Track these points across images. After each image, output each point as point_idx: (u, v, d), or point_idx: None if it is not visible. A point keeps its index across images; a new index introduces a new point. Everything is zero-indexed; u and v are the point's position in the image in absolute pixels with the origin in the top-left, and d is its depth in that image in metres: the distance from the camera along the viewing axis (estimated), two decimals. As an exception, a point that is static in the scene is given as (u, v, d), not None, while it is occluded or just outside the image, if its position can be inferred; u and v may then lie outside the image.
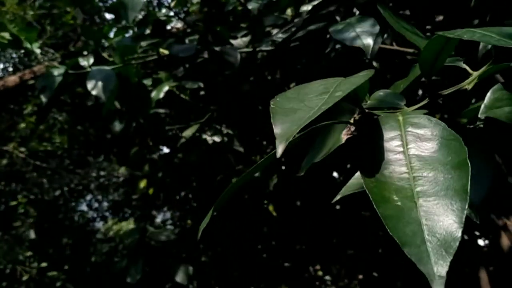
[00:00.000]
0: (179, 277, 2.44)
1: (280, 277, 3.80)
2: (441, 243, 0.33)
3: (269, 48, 1.46)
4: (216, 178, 2.41)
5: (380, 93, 0.52)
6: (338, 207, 2.88)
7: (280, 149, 0.36)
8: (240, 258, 3.84)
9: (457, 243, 0.33)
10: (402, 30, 0.81)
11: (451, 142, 0.40)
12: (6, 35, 1.51)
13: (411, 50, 1.46)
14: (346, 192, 0.56)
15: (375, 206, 0.37)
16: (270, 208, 2.67)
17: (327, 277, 4.44)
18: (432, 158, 0.39)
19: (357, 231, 3.15)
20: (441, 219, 0.35)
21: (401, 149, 0.41)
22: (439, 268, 0.32)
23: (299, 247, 3.75)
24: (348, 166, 2.88)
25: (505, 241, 1.74)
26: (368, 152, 0.42)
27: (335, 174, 3.04)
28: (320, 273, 4.49)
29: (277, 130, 0.38)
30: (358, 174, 0.55)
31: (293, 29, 1.14)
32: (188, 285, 3.49)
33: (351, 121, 0.48)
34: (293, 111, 0.40)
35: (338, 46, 1.84)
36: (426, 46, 0.49)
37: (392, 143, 0.42)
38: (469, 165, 0.38)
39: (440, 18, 1.51)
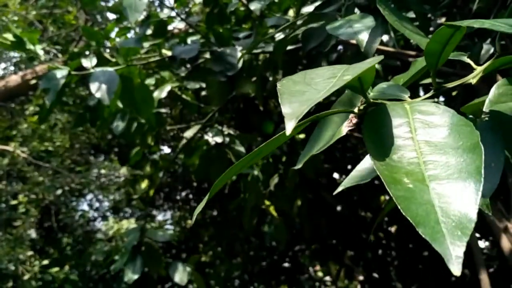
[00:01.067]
0: (178, 277, 2.44)
1: (280, 277, 3.81)
2: (456, 224, 0.33)
3: (271, 49, 1.46)
4: (216, 179, 2.41)
5: (383, 85, 0.51)
6: (339, 208, 2.89)
7: (289, 127, 0.36)
8: (240, 258, 3.85)
9: (473, 224, 0.33)
10: (401, 29, 0.81)
11: (461, 127, 0.40)
12: (9, 36, 1.52)
13: (413, 53, 1.47)
14: (348, 184, 0.56)
15: (387, 187, 0.36)
16: (271, 208, 2.67)
17: (327, 278, 4.45)
18: (442, 143, 0.39)
19: (357, 232, 3.16)
20: (455, 200, 0.34)
21: (409, 135, 0.41)
22: (456, 248, 0.31)
23: (299, 247, 3.76)
24: (349, 167, 2.89)
25: (505, 243, 1.74)
26: (376, 138, 0.42)
27: (335, 175, 3.05)
28: (320, 273, 4.49)
29: (285, 109, 0.38)
30: (359, 166, 0.55)
31: (295, 27, 1.15)
32: (187, 285, 3.50)
33: (355, 110, 0.48)
34: (301, 93, 0.40)
35: (340, 47, 1.85)
36: (433, 36, 0.49)
37: (400, 129, 0.42)
38: (482, 148, 0.37)
39: (442, 20, 1.52)
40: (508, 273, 1.87)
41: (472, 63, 0.55)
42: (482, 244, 2.96)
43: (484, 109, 0.48)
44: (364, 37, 0.82)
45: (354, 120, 0.48)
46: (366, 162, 0.55)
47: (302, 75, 0.44)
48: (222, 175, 0.47)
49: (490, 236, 2.79)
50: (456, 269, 0.31)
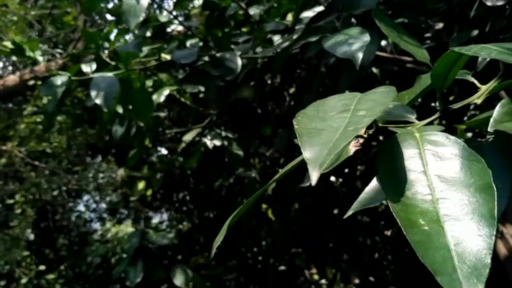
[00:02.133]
0: (177, 280, 2.44)
1: (276, 280, 3.81)
2: (472, 271, 0.33)
3: (270, 54, 1.47)
4: (214, 182, 2.41)
5: (389, 105, 0.52)
6: (335, 211, 2.89)
7: (314, 177, 0.36)
8: (237, 261, 3.85)
9: (487, 270, 0.33)
10: (397, 40, 0.82)
11: (472, 163, 0.40)
12: (9, 44, 1.53)
13: (410, 59, 1.48)
14: (358, 208, 0.55)
15: (404, 232, 0.37)
16: (268, 212, 2.67)
17: (323, 281, 4.45)
18: (455, 179, 0.39)
19: (353, 236, 3.16)
20: (470, 245, 0.35)
21: (421, 168, 0.41)
22: None
23: (295, 250, 3.76)
24: (346, 170, 2.89)
25: (501, 248, 1.75)
26: (390, 174, 0.42)
27: (332, 178, 3.05)
28: (316, 277, 4.49)
29: (307, 154, 0.38)
30: (368, 188, 0.55)
31: (294, 37, 1.16)
32: (185, 288, 3.49)
33: (365, 135, 0.48)
34: (318, 132, 0.40)
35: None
36: (440, 60, 0.49)
37: (411, 162, 0.42)
38: (495, 189, 0.37)
39: (440, 25, 1.53)
40: (504, 279, 1.87)
41: (476, 82, 0.55)
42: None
43: (488, 129, 0.48)
44: (358, 55, 0.84)
45: (361, 140, 0.48)
46: (374, 184, 0.54)
47: (314, 109, 0.44)
48: (240, 207, 0.48)
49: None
50: None
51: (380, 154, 0.44)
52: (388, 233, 3.16)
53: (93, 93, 1.33)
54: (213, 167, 2.20)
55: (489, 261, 0.34)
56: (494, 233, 0.35)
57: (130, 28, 1.46)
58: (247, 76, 1.76)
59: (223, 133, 2.32)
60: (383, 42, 1.68)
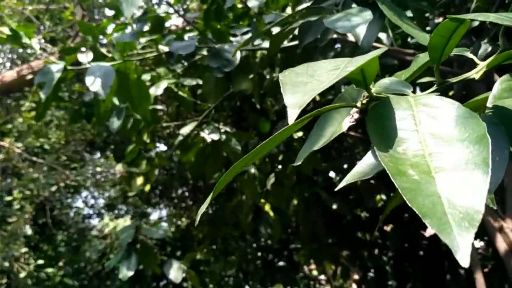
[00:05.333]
0: (173, 275, 2.43)
1: (275, 276, 3.80)
2: (464, 216, 0.32)
3: (268, 46, 1.46)
4: (212, 176, 2.40)
5: (386, 81, 0.51)
6: (334, 206, 2.89)
7: (292, 116, 0.36)
8: (235, 256, 3.84)
9: (480, 216, 0.32)
10: (399, 23, 0.80)
11: (467, 119, 0.39)
12: (6, 30, 1.51)
13: (410, 51, 1.46)
14: (351, 180, 0.54)
15: (392, 179, 0.36)
16: (267, 207, 2.66)
17: (322, 277, 4.45)
18: (448, 135, 0.39)
19: (353, 231, 3.16)
20: (462, 192, 0.34)
21: (414, 127, 0.40)
22: (463, 239, 0.31)
23: (294, 246, 3.76)
24: (345, 166, 2.89)
25: (501, 243, 1.74)
26: (380, 130, 0.41)
27: (332, 174, 3.05)
28: (315, 272, 4.49)
29: (288, 99, 0.38)
30: (362, 162, 0.54)
31: (292, 21, 1.14)
32: (182, 283, 3.49)
33: (358, 105, 0.47)
34: (304, 84, 0.40)
35: (337, 45, 1.84)
36: (436, 30, 0.48)
37: (404, 122, 0.41)
38: (489, 139, 0.37)
39: (440, 20, 1.52)
40: (503, 273, 1.87)
41: (475, 58, 0.54)
42: (477, 243, 2.96)
43: (487, 104, 0.48)
44: (361, 30, 0.81)
45: (356, 116, 0.47)
46: (369, 158, 0.54)
47: (304, 67, 0.44)
48: (227, 171, 0.46)
49: (485, 236, 2.79)
50: (464, 260, 0.30)
51: (371, 113, 0.44)
52: (388, 228, 3.16)
53: (88, 81, 1.32)
54: (210, 162, 2.19)
55: (482, 207, 0.33)
56: (488, 179, 0.34)
57: (127, 18, 1.44)
58: (245, 70, 1.74)
59: (222, 128, 2.31)
60: (383, 36, 1.67)
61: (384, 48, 0.45)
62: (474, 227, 0.32)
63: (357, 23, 0.82)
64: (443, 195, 0.34)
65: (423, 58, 0.57)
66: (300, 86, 0.40)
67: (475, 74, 0.52)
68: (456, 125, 0.39)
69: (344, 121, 0.49)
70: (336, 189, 0.57)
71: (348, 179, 0.54)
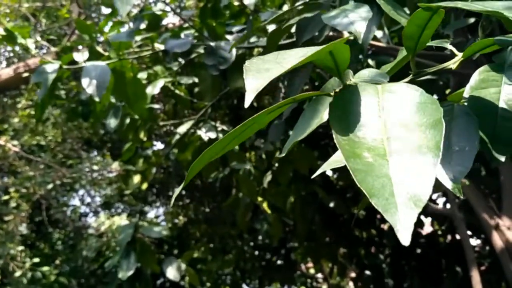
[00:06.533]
0: (172, 273, 2.43)
1: (272, 274, 3.81)
2: (411, 197, 0.33)
3: (265, 44, 1.45)
4: (209, 175, 2.40)
5: (365, 72, 0.51)
6: (331, 205, 2.89)
7: (248, 99, 0.37)
8: (232, 255, 3.84)
9: (427, 197, 0.33)
10: (397, 17, 0.80)
11: (427, 105, 0.40)
12: (0, 31, 1.51)
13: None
14: (327, 168, 0.56)
15: (345, 161, 0.36)
16: (264, 205, 2.66)
17: (319, 275, 4.45)
18: (407, 120, 0.39)
19: (349, 230, 3.16)
20: (412, 174, 0.35)
21: (377, 113, 0.41)
22: (407, 218, 0.32)
23: (292, 244, 3.76)
24: (342, 165, 2.88)
25: (497, 240, 1.75)
26: (342, 115, 0.42)
27: (329, 172, 3.05)
28: (312, 270, 4.50)
29: (248, 84, 0.39)
30: (338, 151, 0.55)
31: (289, 17, 1.13)
32: (180, 282, 3.49)
33: (332, 93, 0.47)
34: (267, 70, 0.40)
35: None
36: (410, 19, 0.48)
37: (368, 108, 0.42)
38: (444, 123, 0.38)
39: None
40: (500, 271, 1.87)
41: (454, 49, 0.55)
42: (474, 241, 2.97)
43: (464, 95, 0.49)
44: (361, 27, 0.80)
45: None
46: None
47: (274, 55, 0.44)
48: (198, 158, 0.46)
49: (481, 234, 2.80)
50: (405, 239, 0.31)
51: (337, 99, 0.44)
52: (385, 227, 3.16)
53: (84, 82, 1.31)
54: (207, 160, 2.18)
55: (429, 189, 0.33)
56: (438, 163, 0.35)
57: (122, 16, 1.44)
58: (241, 67, 1.74)
59: (219, 126, 2.30)
60: (379, 34, 1.67)
61: (350, 35, 0.45)
62: (419, 208, 0.32)
63: (355, 20, 0.81)
64: (393, 177, 0.35)
65: (405, 51, 0.57)
66: (262, 72, 0.40)
67: (453, 64, 0.53)
68: (416, 111, 0.40)
69: (325, 112, 0.49)
70: (312, 177, 0.58)
71: (325, 167, 0.55)
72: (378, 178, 0.35)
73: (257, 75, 0.40)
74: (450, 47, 0.56)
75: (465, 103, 0.48)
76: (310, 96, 0.48)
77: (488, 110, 0.47)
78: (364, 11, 0.83)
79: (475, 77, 0.50)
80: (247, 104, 0.37)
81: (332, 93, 0.47)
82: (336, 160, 0.55)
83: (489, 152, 0.45)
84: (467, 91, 0.49)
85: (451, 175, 0.44)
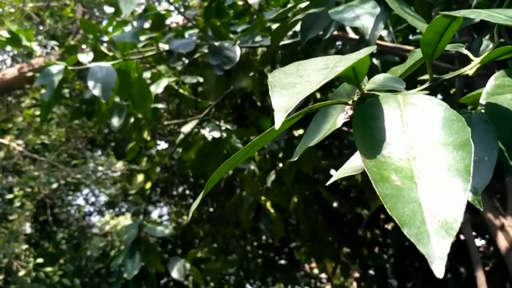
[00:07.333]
0: (176, 273, 2.44)
1: (275, 274, 3.80)
2: (442, 224, 0.32)
3: (269, 43, 1.45)
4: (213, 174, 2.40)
5: (380, 77, 0.51)
6: (335, 205, 2.88)
7: (278, 121, 0.36)
8: (236, 255, 3.84)
9: (459, 224, 0.32)
10: (404, 15, 0.79)
11: (453, 122, 0.39)
12: (5, 33, 1.51)
13: (412, 48, 1.46)
14: (341, 175, 0.55)
15: (374, 185, 0.36)
16: (267, 204, 2.66)
17: (323, 275, 4.45)
18: (433, 138, 0.38)
19: (353, 229, 3.15)
20: (442, 200, 0.34)
21: (401, 129, 0.40)
22: (440, 249, 0.31)
23: (295, 244, 3.76)
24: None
25: (502, 241, 1.74)
26: (367, 132, 0.41)
27: (332, 172, 3.05)
28: (315, 270, 4.49)
29: (275, 102, 0.38)
30: (353, 157, 0.54)
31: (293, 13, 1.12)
32: (183, 281, 3.49)
33: (350, 102, 0.47)
34: (292, 86, 0.40)
35: (338, 43, 1.83)
36: (429, 26, 0.48)
37: (391, 122, 0.41)
38: (472, 145, 0.37)
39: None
40: (505, 271, 1.86)
41: (470, 54, 0.54)
42: (479, 242, 2.96)
43: (480, 101, 0.47)
44: (368, 22, 0.79)
45: (350, 112, 0.47)
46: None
47: (295, 67, 0.44)
48: (218, 169, 0.46)
49: (486, 234, 2.78)
50: (438, 270, 0.30)
51: (359, 113, 0.43)
52: (389, 227, 3.16)
53: (90, 84, 1.31)
54: (212, 159, 2.18)
55: (461, 216, 0.32)
56: (468, 188, 0.34)
57: (125, 16, 1.44)
58: (246, 67, 1.74)
59: (223, 126, 2.30)
60: (384, 33, 1.67)
61: (373, 47, 0.45)
62: (451, 236, 0.31)
63: (362, 14, 0.80)
64: (423, 202, 0.34)
65: (418, 53, 0.56)
66: (288, 88, 0.39)
67: (469, 70, 0.52)
68: (442, 128, 0.39)
69: (338, 117, 0.49)
70: (327, 184, 0.57)
71: (339, 174, 0.55)
72: (408, 204, 0.34)
73: (283, 92, 0.39)
74: (466, 51, 0.55)
75: (482, 110, 0.47)
76: (325, 105, 0.48)
77: (505, 117, 0.46)
78: (371, 6, 0.82)
79: (491, 82, 0.49)
80: (277, 125, 0.36)
81: (350, 102, 0.47)
82: (352, 166, 0.54)
83: (505, 161, 0.44)
84: (483, 97, 0.48)
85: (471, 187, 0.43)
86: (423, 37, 0.49)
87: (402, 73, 0.56)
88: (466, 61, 0.56)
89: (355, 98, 0.46)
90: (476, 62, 0.52)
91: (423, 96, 0.43)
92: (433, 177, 0.35)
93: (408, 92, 0.48)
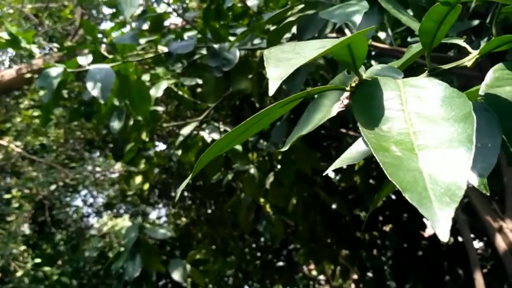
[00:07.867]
0: (177, 275, 2.44)
1: (274, 276, 3.80)
2: (445, 191, 0.31)
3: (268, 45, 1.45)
4: (212, 176, 2.40)
5: (377, 67, 0.51)
6: (333, 206, 2.88)
7: (273, 88, 0.36)
8: (234, 256, 3.84)
9: (462, 192, 0.31)
10: (397, 15, 0.80)
11: (454, 99, 0.39)
12: (4, 35, 1.51)
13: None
14: (340, 164, 0.54)
15: (374, 154, 0.35)
16: (266, 206, 2.66)
17: (321, 277, 4.45)
18: (434, 114, 0.38)
19: (352, 231, 3.15)
20: (445, 168, 0.33)
21: (400, 107, 0.40)
22: (444, 213, 0.30)
23: (294, 246, 3.76)
24: (345, 166, 2.88)
25: (500, 243, 1.74)
26: (366, 109, 0.41)
27: (331, 174, 3.05)
28: (314, 272, 4.49)
29: (270, 72, 0.38)
30: (351, 148, 0.54)
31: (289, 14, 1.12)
32: (181, 282, 3.48)
33: (347, 88, 0.47)
34: (287, 59, 0.40)
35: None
36: (428, 14, 0.48)
37: (390, 102, 0.41)
38: (474, 117, 0.36)
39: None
40: (503, 273, 1.87)
41: (468, 47, 0.54)
42: (477, 244, 2.96)
43: (480, 93, 0.48)
44: (357, 19, 0.80)
45: (346, 102, 0.47)
46: (358, 145, 0.54)
47: (292, 46, 0.44)
48: (210, 147, 0.46)
49: (484, 236, 2.79)
50: (443, 234, 0.30)
51: (358, 92, 0.44)
52: (387, 228, 3.16)
53: (89, 85, 1.32)
54: (211, 161, 2.18)
55: (464, 183, 0.32)
56: (471, 156, 0.34)
57: (126, 19, 1.44)
58: (244, 69, 1.74)
59: (221, 127, 2.30)
60: (382, 35, 1.67)
61: (372, 27, 0.45)
62: (455, 202, 0.31)
63: (353, 12, 0.81)
64: (425, 171, 0.33)
65: (415, 47, 0.57)
66: (283, 61, 0.40)
67: (468, 61, 0.52)
68: (442, 105, 0.39)
69: (333, 107, 0.48)
70: (324, 174, 0.57)
71: (337, 164, 0.54)
72: (409, 172, 0.33)
73: (279, 64, 0.39)
74: (464, 44, 0.56)
75: (482, 101, 0.47)
76: (322, 90, 0.48)
77: (505, 108, 0.46)
78: (361, 5, 0.83)
79: (490, 75, 0.49)
80: (271, 92, 0.36)
81: (348, 88, 0.47)
82: (349, 156, 0.53)
83: (507, 151, 0.44)
84: (482, 89, 0.48)
85: (475, 171, 0.42)
86: (422, 26, 0.49)
87: (400, 65, 0.56)
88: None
89: (353, 84, 0.46)
90: (474, 54, 0.52)
91: (423, 78, 0.43)
92: (434, 148, 0.35)
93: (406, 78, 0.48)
